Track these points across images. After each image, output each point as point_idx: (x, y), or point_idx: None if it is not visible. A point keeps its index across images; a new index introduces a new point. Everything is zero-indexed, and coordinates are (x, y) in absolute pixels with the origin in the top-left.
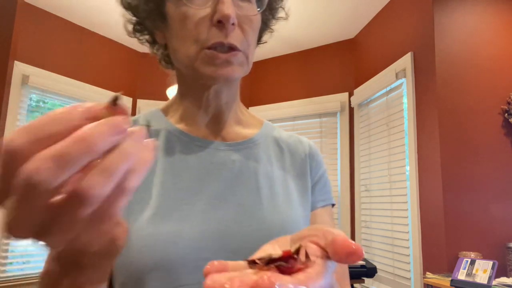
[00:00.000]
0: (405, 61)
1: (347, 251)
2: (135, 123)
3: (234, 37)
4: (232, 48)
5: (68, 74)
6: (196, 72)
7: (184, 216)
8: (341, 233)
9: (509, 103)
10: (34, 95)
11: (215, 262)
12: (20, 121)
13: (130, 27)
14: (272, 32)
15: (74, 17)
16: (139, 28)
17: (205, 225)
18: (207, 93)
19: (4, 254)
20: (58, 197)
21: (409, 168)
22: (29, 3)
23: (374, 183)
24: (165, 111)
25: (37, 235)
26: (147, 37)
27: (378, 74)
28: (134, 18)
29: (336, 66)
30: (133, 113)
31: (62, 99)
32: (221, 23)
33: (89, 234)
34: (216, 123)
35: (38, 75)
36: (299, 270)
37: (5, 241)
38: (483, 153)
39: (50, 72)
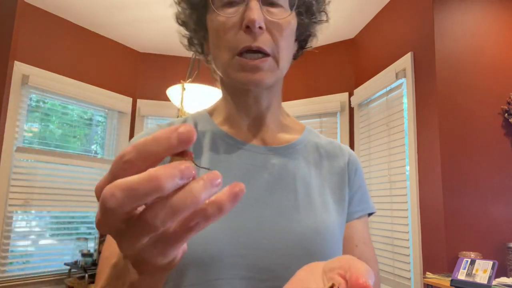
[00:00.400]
0: (405, 61)
1: None
2: (184, 122)
3: (262, 41)
4: (261, 53)
5: (68, 74)
6: (230, 78)
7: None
8: (360, 269)
9: (509, 103)
10: (34, 95)
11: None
12: (20, 121)
13: (185, 41)
14: (314, 36)
15: (74, 17)
16: (191, 41)
17: (243, 223)
18: (247, 98)
19: (4, 254)
20: (127, 217)
21: (409, 168)
22: (29, 3)
23: (374, 183)
24: (211, 113)
25: (113, 236)
26: (199, 49)
27: (378, 74)
28: (187, 33)
29: (336, 66)
30: (133, 113)
31: (62, 99)
32: (249, 28)
33: (152, 252)
34: (258, 127)
35: (38, 75)
36: None
37: (5, 241)
38: (483, 153)
39: (50, 72)
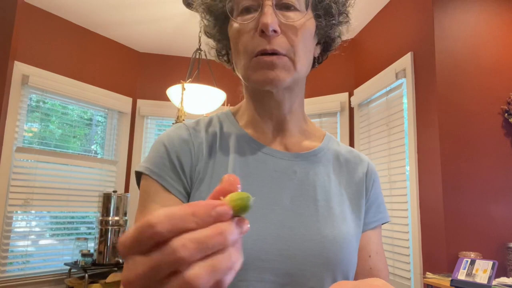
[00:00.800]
0: (405, 61)
1: None
2: (209, 122)
3: (277, 44)
4: (276, 55)
5: (68, 74)
6: (249, 80)
7: (248, 217)
8: None
9: (509, 103)
10: (34, 95)
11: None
12: (20, 121)
13: (213, 51)
14: (339, 39)
15: (74, 17)
16: (219, 52)
17: (266, 229)
18: (269, 101)
19: (4, 254)
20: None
21: (409, 168)
22: (29, 3)
23: None
24: (235, 113)
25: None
26: (226, 58)
27: (378, 74)
28: (214, 43)
29: (336, 66)
30: (133, 113)
31: (62, 99)
32: (263, 33)
33: None
34: (280, 132)
35: (38, 75)
36: None
37: (5, 241)
38: (483, 153)
39: (50, 72)
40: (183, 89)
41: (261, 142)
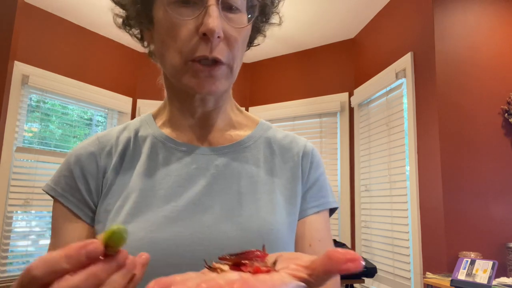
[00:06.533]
0: (405, 61)
1: (346, 257)
2: (123, 128)
3: (219, 51)
4: (216, 62)
5: (68, 74)
6: (180, 83)
7: (157, 222)
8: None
9: (509, 103)
10: (34, 95)
11: (162, 280)
12: (20, 121)
13: (120, 20)
14: (264, 36)
15: (74, 17)
16: (128, 23)
17: (178, 232)
18: (193, 100)
19: (4, 254)
20: None
21: (409, 168)
22: (29, 3)
23: (374, 183)
24: (155, 115)
25: None
26: (135, 32)
27: (378, 74)
28: (123, 13)
29: (336, 66)
30: (133, 113)
31: (62, 99)
32: (206, 36)
33: None
34: (203, 128)
35: (38, 75)
36: (260, 271)
37: (5, 241)
38: (483, 153)
39: (50, 72)
40: None
41: (179, 140)
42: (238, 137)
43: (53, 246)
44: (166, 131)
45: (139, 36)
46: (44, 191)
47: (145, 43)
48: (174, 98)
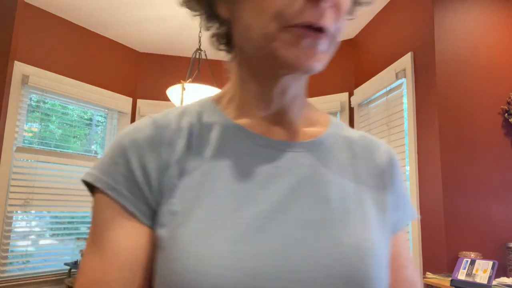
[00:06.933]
0: (405, 61)
1: None
2: (182, 113)
3: (329, 19)
4: (320, 31)
5: (68, 74)
6: (272, 55)
7: (236, 233)
8: None
9: (509, 103)
10: (34, 95)
11: None
12: (20, 121)
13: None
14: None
15: (74, 17)
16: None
17: (262, 246)
18: (273, 87)
19: (4, 254)
20: None
21: (409, 168)
22: (29, 3)
23: None
24: (217, 101)
25: None
26: (204, 9)
27: (378, 74)
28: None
29: (336, 66)
30: (133, 113)
31: (62, 99)
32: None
33: None
34: (280, 118)
35: (38, 75)
36: None
37: (5, 241)
38: (483, 153)
39: (50, 72)
40: (183, 89)
41: (255, 132)
42: (316, 133)
43: (99, 253)
44: (237, 120)
45: (209, 12)
46: (85, 182)
47: (215, 23)
48: (249, 83)
